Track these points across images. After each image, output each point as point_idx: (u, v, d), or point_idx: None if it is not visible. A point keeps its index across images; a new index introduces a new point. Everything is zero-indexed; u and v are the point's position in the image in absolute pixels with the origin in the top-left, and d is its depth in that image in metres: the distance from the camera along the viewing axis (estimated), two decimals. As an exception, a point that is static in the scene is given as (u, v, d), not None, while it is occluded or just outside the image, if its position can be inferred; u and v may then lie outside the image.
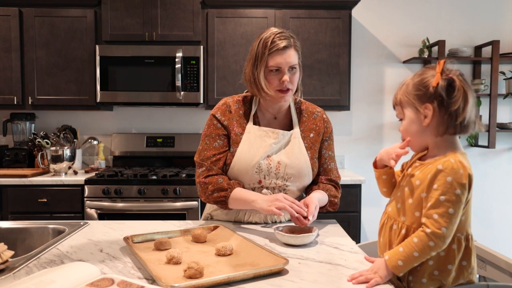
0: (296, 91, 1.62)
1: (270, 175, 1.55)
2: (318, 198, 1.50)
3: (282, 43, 1.49)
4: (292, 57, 1.50)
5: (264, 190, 1.54)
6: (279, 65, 1.49)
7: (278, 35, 1.51)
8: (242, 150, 1.56)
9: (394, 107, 1.21)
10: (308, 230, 1.39)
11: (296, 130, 1.61)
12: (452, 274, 1.10)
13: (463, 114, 1.08)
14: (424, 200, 1.09)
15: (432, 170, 1.08)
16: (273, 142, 1.56)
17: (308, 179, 1.60)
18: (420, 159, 1.19)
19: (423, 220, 1.07)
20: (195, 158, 1.63)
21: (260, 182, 1.56)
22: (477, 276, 1.40)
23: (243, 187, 1.57)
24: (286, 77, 1.50)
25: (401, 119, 1.19)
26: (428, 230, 1.04)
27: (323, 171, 1.65)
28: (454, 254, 1.10)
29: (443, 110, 1.08)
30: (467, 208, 1.11)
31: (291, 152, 1.57)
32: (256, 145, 1.56)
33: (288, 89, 1.52)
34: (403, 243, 1.08)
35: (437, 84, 1.08)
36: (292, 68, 1.52)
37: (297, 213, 1.39)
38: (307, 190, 1.69)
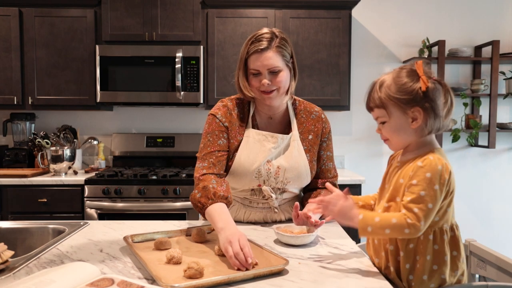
0: (288, 91, 1.56)
1: (269, 180, 1.55)
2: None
3: (261, 46, 1.45)
4: (271, 59, 1.45)
5: (264, 187, 1.55)
6: (257, 68, 1.47)
7: (260, 36, 1.47)
8: (242, 155, 1.54)
9: (370, 109, 1.20)
10: (308, 230, 1.39)
11: (295, 133, 1.59)
12: (448, 266, 1.11)
13: (448, 116, 1.13)
14: (404, 192, 1.11)
15: (413, 167, 1.11)
16: (272, 147, 1.55)
17: (306, 180, 1.61)
18: (400, 158, 1.22)
19: (403, 211, 1.08)
20: (197, 154, 1.57)
21: (259, 186, 1.56)
22: (477, 276, 1.40)
23: (229, 202, 1.44)
24: (264, 81, 1.46)
25: (381, 122, 1.18)
26: (409, 220, 1.06)
27: (320, 172, 1.65)
28: (446, 245, 1.12)
29: (432, 113, 1.11)
30: (451, 200, 1.13)
31: (290, 156, 1.56)
32: (255, 150, 1.54)
33: (271, 91, 1.49)
34: (382, 216, 1.09)
35: (426, 87, 1.09)
36: (273, 72, 1.47)
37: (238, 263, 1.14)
38: (305, 192, 1.70)
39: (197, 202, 1.42)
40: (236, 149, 1.55)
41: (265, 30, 1.50)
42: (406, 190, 1.10)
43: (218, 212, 1.35)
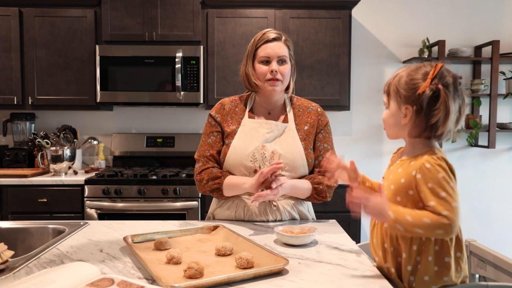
0: (288, 87, 1.66)
1: (265, 164, 1.59)
2: (294, 181, 1.56)
3: (271, 35, 1.59)
4: (281, 48, 1.58)
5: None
6: (268, 55, 1.57)
7: (268, 30, 1.61)
8: (237, 141, 1.61)
9: (384, 92, 1.22)
10: (308, 230, 1.39)
11: (291, 124, 1.65)
12: (452, 267, 1.11)
13: (442, 128, 1.09)
14: (424, 198, 1.08)
15: (416, 168, 1.09)
16: (266, 132, 1.61)
17: (303, 169, 1.62)
18: (398, 155, 1.22)
19: (431, 204, 1.05)
20: (194, 156, 1.71)
21: (255, 171, 1.59)
22: (477, 276, 1.40)
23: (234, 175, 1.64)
24: (274, 67, 1.57)
25: (386, 107, 1.21)
26: (444, 221, 1.02)
27: (318, 164, 1.67)
28: (448, 246, 1.10)
29: (420, 117, 1.10)
30: None
31: (285, 143, 1.61)
32: (250, 136, 1.61)
33: (277, 79, 1.58)
34: (414, 215, 1.05)
35: (423, 92, 1.08)
36: (281, 61, 1.58)
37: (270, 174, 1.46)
38: None
39: (213, 188, 1.60)
40: (232, 137, 1.63)
41: (272, 29, 1.64)
42: (422, 195, 1.07)
43: (235, 178, 1.59)
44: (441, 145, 3.26)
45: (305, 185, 1.59)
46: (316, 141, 1.67)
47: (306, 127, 1.66)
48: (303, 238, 1.34)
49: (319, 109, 1.71)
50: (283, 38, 1.60)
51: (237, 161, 1.60)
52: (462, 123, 1.15)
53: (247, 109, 1.68)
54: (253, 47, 1.60)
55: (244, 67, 1.63)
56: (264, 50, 1.58)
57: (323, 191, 1.61)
